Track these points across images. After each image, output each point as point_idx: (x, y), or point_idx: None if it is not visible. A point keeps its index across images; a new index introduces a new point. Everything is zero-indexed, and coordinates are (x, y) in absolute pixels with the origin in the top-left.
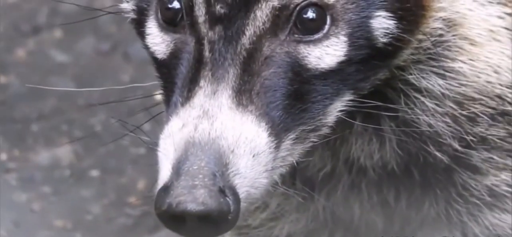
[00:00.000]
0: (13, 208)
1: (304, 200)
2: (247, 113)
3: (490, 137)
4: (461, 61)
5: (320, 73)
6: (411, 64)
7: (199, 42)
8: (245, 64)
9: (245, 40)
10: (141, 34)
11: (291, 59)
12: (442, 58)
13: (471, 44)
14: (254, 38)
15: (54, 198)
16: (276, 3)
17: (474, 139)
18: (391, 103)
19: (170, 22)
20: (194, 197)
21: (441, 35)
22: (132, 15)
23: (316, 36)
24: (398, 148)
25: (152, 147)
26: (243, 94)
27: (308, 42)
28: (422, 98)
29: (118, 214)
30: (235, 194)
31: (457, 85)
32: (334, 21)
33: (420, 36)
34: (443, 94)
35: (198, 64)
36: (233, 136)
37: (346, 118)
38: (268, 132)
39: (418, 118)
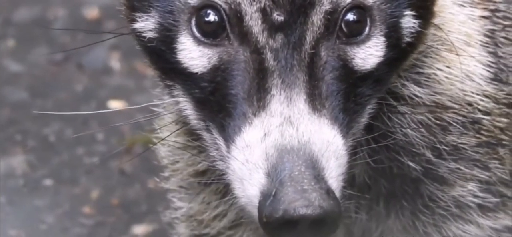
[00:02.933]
0: None
1: None
2: (322, 117)
3: (461, 145)
4: (438, 68)
5: (364, 75)
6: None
7: (257, 51)
8: (310, 70)
9: (307, 46)
10: (169, 51)
11: (342, 62)
12: (422, 64)
13: (448, 50)
14: (313, 43)
15: (8, 207)
16: (328, 7)
17: (446, 148)
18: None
19: (209, 36)
20: (310, 201)
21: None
22: (151, 34)
23: (360, 38)
24: (373, 161)
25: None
26: (316, 99)
27: (353, 44)
28: (400, 107)
29: (72, 224)
30: (336, 196)
31: (432, 93)
32: (373, 22)
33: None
34: (419, 102)
35: (262, 73)
36: (321, 140)
37: None
38: (341, 134)
39: (395, 128)
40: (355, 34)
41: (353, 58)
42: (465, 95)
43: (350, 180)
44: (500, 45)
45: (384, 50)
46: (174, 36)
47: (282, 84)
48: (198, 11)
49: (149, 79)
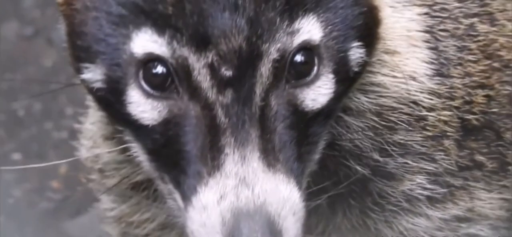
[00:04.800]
0: None
1: None
2: (277, 173)
3: (408, 142)
4: (383, 74)
5: (315, 114)
6: None
7: (208, 107)
8: (261, 123)
9: (257, 98)
10: (118, 103)
11: (293, 107)
12: (367, 74)
13: (391, 54)
14: (263, 95)
15: None
16: (276, 56)
17: (394, 148)
18: None
19: (158, 88)
20: None
21: None
22: (99, 85)
23: (309, 79)
24: (317, 167)
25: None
26: (270, 154)
27: (302, 86)
28: (346, 117)
29: (40, 199)
30: None
31: (377, 97)
32: (320, 61)
33: None
34: (364, 108)
35: (214, 130)
36: (277, 199)
37: None
38: (297, 186)
39: (340, 136)
40: (303, 75)
41: (303, 100)
42: (410, 94)
43: None
44: (440, 38)
45: (333, 86)
46: (122, 88)
47: (235, 142)
48: (145, 64)
49: None
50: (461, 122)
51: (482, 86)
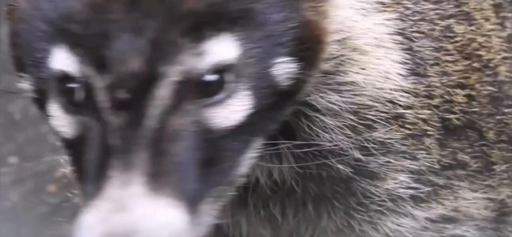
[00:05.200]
0: None
1: None
2: (161, 197)
3: (387, 141)
4: (354, 72)
5: (229, 131)
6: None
7: (104, 128)
8: (153, 147)
9: (150, 122)
10: (46, 113)
11: (199, 127)
12: (337, 74)
13: (360, 53)
14: (159, 118)
15: None
16: (176, 78)
17: (374, 145)
18: (289, 124)
19: (73, 104)
20: None
21: (336, 53)
22: (32, 95)
23: (219, 97)
24: (297, 166)
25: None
26: (155, 178)
27: (212, 105)
28: (321, 117)
29: (37, 202)
30: None
31: (352, 95)
32: (235, 78)
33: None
34: (340, 108)
35: (105, 152)
36: (153, 225)
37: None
38: (185, 209)
39: (318, 136)
40: (213, 94)
41: (212, 119)
42: (384, 92)
43: (275, 182)
44: (414, 39)
45: (250, 103)
46: (46, 101)
47: (122, 165)
48: (62, 80)
49: None
50: (441, 121)
51: (461, 86)
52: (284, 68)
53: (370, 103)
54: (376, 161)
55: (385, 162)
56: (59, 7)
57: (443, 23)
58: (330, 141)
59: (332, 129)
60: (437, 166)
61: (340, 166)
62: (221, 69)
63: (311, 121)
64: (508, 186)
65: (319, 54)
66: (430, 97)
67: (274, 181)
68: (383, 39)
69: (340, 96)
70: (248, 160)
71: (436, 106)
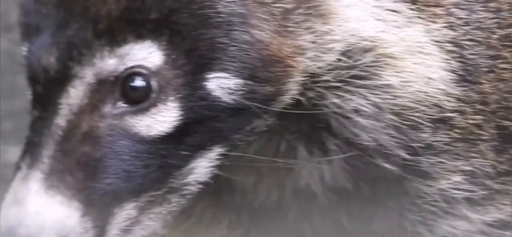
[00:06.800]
0: None
1: (256, 227)
2: (57, 195)
3: (435, 143)
4: (388, 75)
5: (157, 139)
6: (328, 90)
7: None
8: (61, 144)
9: (60, 120)
10: None
11: (118, 131)
12: (366, 78)
13: (393, 59)
14: (71, 116)
15: None
16: (91, 79)
17: (421, 145)
18: (328, 124)
19: None
20: None
21: (353, 61)
22: None
23: (143, 105)
24: (347, 165)
25: None
26: (55, 175)
27: (135, 112)
28: (356, 118)
29: None
30: None
31: (390, 97)
32: (161, 88)
33: (317, 70)
34: (378, 108)
35: (24, 144)
36: (35, 223)
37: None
38: (83, 210)
39: (358, 136)
40: (137, 101)
41: (134, 125)
42: (427, 96)
43: (327, 185)
44: (466, 47)
45: (178, 115)
46: None
47: (29, 158)
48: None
49: None
50: (497, 127)
51: None
52: (222, 84)
53: (412, 105)
54: (427, 161)
55: (437, 162)
56: None
57: (502, 32)
58: (375, 140)
59: (373, 130)
60: (492, 171)
61: (386, 165)
62: (145, 76)
63: (345, 122)
64: None
65: (279, 75)
66: (484, 103)
67: (330, 188)
68: (423, 47)
69: (378, 98)
70: (201, 169)
71: (491, 112)
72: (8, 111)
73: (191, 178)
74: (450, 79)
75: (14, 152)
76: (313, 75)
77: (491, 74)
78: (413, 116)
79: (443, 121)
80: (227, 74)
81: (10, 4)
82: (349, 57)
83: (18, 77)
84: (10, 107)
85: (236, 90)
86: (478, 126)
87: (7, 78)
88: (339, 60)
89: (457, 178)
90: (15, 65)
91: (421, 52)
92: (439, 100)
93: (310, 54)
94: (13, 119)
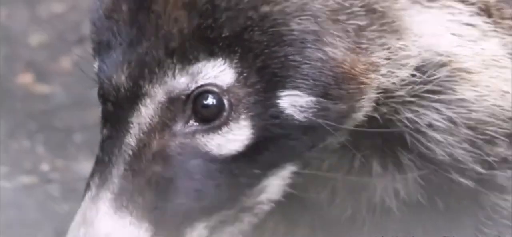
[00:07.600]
0: (55, 218)
1: None
2: (127, 216)
3: (510, 157)
4: (463, 89)
5: (228, 158)
6: (402, 105)
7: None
8: (130, 164)
9: (130, 139)
10: None
11: (189, 150)
12: (441, 93)
13: (469, 73)
14: (141, 135)
15: None
16: (162, 98)
17: (496, 159)
18: (402, 140)
19: None
20: None
21: (428, 76)
22: None
23: (214, 123)
24: (421, 179)
25: None
26: (125, 195)
27: (206, 130)
28: (430, 133)
29: None
30: None
31: (465, 111)
32: (233, 106)
33: (390, 86)
34: (453, 123)
35: (94, 163)
36: None
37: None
38: (153, 230)
39: (432, 150)
40: (208, 120)
41: (205, 144)
42: (502, 110)
43: (402, 199)
44: None
45: (249, 133)
46: None
47: (98, 178)
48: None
49: None
50: None
51: None
52: (294, 102)
53: (488, 119)
54: (503, 175)
55: None
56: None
57: None
58: (450, 155)
59: (448, 144)
60: None
61: (461, 179)
62: (217, 95)
63: (421, 137)
64: None
65: (352, 93)
66: None
67: (404, 202)
68: (499, 60)
69: (451, 111)
70: (273, 187)
71: None
72: (80, 124)
73: (263, 197)
74: None
75: (85, 165)
76: (386, 90)
77: None
78: (488, 130)
79: None
80: (299, 92)
81: (82, 16)
82: (424, 73)
83: (91, 90)
84: (83, 121)
85: (308, 108)
86: None
87: (79, 90)
88: (413, 75)
89: None
90: (88, 78)
91: (496, 66)
92: None
93: (384, 70)
94: (86, 132)
